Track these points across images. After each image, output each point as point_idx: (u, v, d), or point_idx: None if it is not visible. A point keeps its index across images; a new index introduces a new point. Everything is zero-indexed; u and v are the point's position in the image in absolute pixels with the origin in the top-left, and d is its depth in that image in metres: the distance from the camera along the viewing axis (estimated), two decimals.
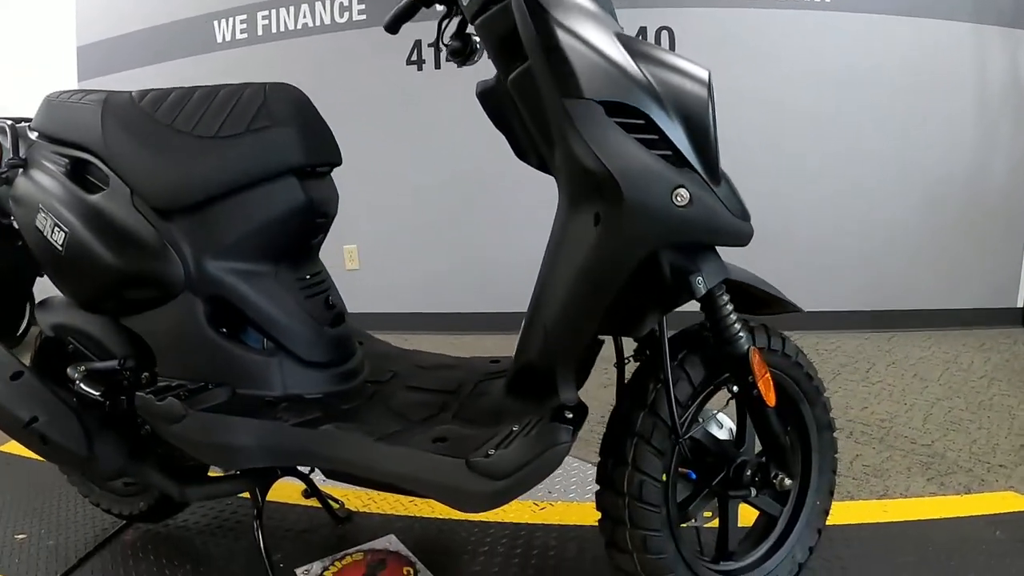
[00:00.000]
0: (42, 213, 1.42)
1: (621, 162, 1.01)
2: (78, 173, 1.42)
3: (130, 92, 1.43)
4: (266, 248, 1.39)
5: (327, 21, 3.37)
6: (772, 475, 1.26)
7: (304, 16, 3.38)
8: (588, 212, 1.07)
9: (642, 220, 1.02)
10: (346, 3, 3.36)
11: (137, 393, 1.34)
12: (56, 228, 1.40)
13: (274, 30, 3.46)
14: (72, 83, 4.01)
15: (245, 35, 3.49)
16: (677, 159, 1.04)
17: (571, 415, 1.14)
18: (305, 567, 1.62)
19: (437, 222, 3.54)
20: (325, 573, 1.59)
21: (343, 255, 3.75)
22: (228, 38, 3.52)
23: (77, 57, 4.01)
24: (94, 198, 1.38)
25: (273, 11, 3.43)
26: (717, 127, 1.10)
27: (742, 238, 1.11)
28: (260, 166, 1.35)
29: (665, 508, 1.18)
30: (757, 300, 1.31)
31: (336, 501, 1.84)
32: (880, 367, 2.82)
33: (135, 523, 1.84)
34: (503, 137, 1.31)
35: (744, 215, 1.11)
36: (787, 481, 1.26)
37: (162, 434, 1.32)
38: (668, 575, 1.19)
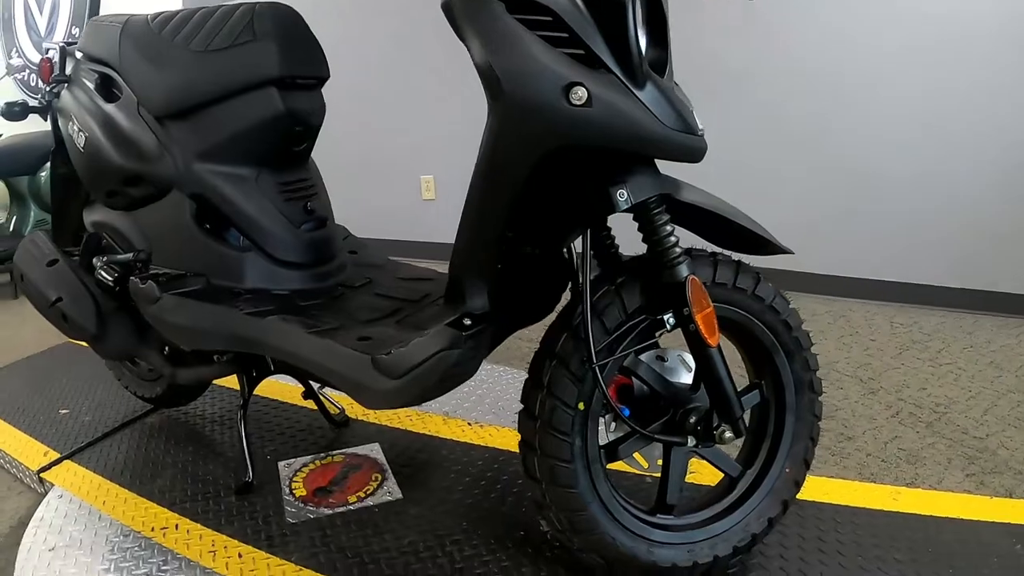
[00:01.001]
0: (73, 120, 1.58)
1: (506, 57, 0.96)
2: (105, 86, 1.56)
3: (147, 15, 1.54)
4: (247, 153, 1.46)
5: None
6: (714, 426, 1.16)
7: None
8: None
9: (526, 117, 0.97)
10: None
11: (130, 277, 1.45)
12: (80, 133, 1.56)
13: None
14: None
15: None
16: (589, 58, 0.96)
17: (469, 322, 1.11)
18: (288, 461, 1.71)
19: None
20: (304, 469, 1.67)
21: (420, 184, 3.81)
22: None
23: None
24: (109, 106, 1.52)
25: None
26: (667, 24, 1.01)
27: (680, 151, 1.01)
28: (242, 77, 1.42)
29: (580, 440, 1.12)
30: (744, 240, 1.19)
31: (339, 408, 1.92)
32: (954, 349, 2.55)
33: (160, 408, 2.00)
34: None
35: (684, 126, 1.01)
36: (728, 435, 1.16)
37: (143, 314, 1.42)
38: (577, 513, 1.14)
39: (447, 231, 3.86)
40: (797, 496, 1.34)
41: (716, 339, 1.09)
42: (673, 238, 1.09)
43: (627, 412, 1.18)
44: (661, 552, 1.21)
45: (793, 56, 2.90)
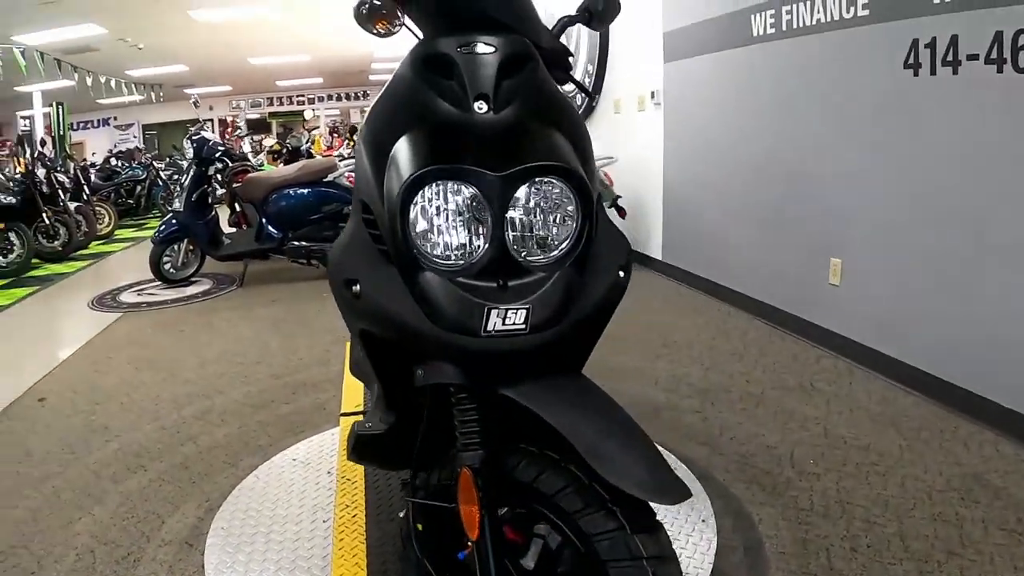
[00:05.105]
0: None
1: (332, 249, 1.18)
2: None
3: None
4: None
5: (835, 16, 3.10)
6: None
7: (817, 11, 3.19)
8: None
9: (339, 302, 1.19)
10: None
11: None
12: None
13: (795, 25, 3.37)
14: (658, 64, 4.79)
15: (773, 29, 3.52)
16: (385, 255, 1.07)
17: (369, 425, 1.36)
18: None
19: (934, 247, 2.82)
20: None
21: (829, 267, 3.48)
22: (760, 32, 3.62)
23: (663, 41, 4.72)
24: None
25: (793, 5, 3.34)
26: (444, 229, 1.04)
27: (444, 348, 1.04)
28: None
29: (414, 553, 1.29)
30: None
31: None
32: None
33: None
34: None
35: (453, 325, 1.00)
36: None
37: None
38: None
39: (847, 324, 3.57)
40: None
41: (474, 534, 1.08)
42: (468, 428, 1.10)
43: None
44: None
45: None
